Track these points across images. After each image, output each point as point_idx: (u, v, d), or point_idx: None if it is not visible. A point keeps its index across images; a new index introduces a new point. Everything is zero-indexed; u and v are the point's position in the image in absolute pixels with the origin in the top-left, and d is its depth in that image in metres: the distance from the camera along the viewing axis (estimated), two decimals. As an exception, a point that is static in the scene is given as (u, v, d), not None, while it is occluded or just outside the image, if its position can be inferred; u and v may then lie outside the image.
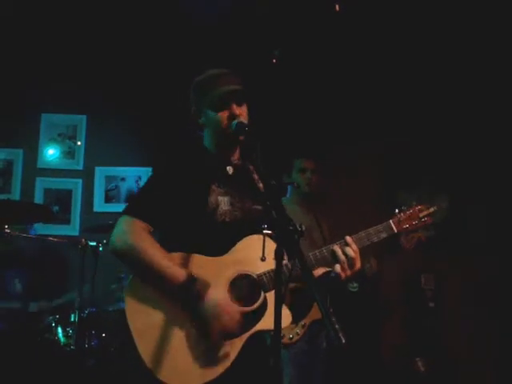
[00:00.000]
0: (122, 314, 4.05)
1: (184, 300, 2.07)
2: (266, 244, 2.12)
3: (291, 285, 2.16)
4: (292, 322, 2.13)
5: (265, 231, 2.11)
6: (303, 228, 1.82)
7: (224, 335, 2.05)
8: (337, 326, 1.52)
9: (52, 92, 5.29)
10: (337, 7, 4.83)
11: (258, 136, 2.08)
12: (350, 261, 2.13)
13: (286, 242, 1.77)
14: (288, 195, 4.30)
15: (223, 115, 2.25)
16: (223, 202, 2.22)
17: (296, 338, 3.59)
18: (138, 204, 2.22)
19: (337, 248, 2.16)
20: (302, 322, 3.61)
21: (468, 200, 5.17)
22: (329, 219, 4.22)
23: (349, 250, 2.14)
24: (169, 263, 2.09)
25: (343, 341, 1.51)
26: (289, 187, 4.28)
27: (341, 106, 5.34)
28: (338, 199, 5.14)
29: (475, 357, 4.92)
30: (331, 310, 1.59)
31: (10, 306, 4.05)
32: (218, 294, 2.08)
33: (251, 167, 2.36)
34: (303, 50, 5.18)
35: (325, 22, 4.99)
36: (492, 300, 5.00)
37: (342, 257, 2.13)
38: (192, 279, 2.06)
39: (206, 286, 2.07)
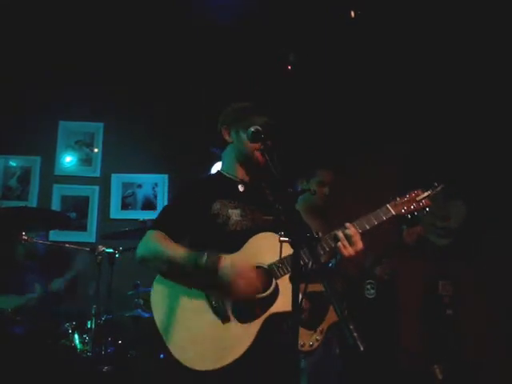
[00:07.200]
0: (138, 320, 4.12)
1: (202, 272, 2.23)
2: (279, 247, 2.27)
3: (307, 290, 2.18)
4: (311, 329, 2.19)
5: (282, 238, 2.16)
6: (320, 234, 1.84)
7: (245, 297, 2.23)
8: (355, 334, 1.51)
9: (69, 100, 5.33)
10: (352, 13, 4.82)
11: (277, 143, 2.27)
12: (350, 238, 2.31)
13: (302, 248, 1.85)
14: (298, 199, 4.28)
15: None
16: (234, 214, 2.48)
17: (316, 344, 3.54)
18: (161, 219, 2.53)
19: (337, 231, 2.35)
20: (320, 328, 3.57)
21: (484, 206, 5.12)
22: (334, 228, 4.20)
23: (348, 231, 2.33)
24: (186, 249, 2.34)
25: (362, 348, 1.50)
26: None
27: (355, 112, 5.33)
28: (350, 207, 5.10)
29: (493, 364, 4.87)
30: (349, 316, 1.57)
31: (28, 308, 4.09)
32: (235, 259, 2.28)
33: (263, 185, 2.60)
34: (318, 57, 5.19)
35: (340, 29, 4.99)
36: (510, 307, 4.95)
37: (342, 235, 2.32)
38: (207, 252, 2.26)
39: (220, 255, 2.26)
